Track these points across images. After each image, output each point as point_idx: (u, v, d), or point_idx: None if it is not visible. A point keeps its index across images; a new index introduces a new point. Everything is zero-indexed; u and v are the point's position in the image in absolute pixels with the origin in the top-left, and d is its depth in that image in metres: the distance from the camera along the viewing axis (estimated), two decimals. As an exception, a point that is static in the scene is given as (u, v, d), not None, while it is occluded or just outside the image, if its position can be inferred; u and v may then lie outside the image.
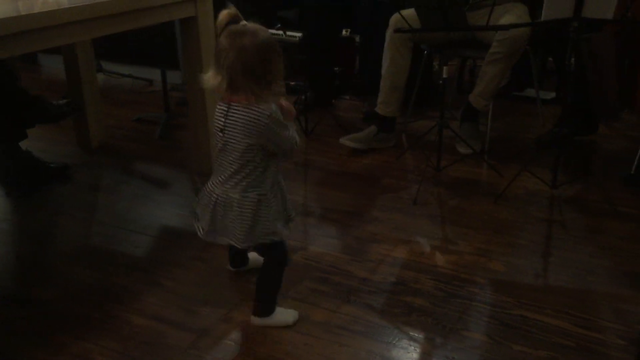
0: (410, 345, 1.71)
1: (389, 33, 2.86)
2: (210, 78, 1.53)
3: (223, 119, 1.58)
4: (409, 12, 2.61)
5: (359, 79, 3.67)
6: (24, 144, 2.71)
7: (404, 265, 2.08)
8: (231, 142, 1.59)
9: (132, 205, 2.51)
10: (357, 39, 3.63)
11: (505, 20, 2.66)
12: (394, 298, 1.91)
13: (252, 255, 2.00)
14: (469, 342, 1.71)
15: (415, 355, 1.68)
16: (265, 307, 1.78)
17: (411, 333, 1.76)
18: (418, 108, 3.26)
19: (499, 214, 2.40)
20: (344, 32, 3.63)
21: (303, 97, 3.16)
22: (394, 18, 2.81)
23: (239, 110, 1.55)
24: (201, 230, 1.71)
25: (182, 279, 2.02)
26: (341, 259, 2.12)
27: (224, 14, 1.51)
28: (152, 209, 2.48)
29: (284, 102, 1.69)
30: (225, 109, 1.57)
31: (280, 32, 3.78)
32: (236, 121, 1.56)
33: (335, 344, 1.72)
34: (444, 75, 2.52)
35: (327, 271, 2.05)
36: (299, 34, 3.70)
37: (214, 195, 1.65)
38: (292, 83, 3.76)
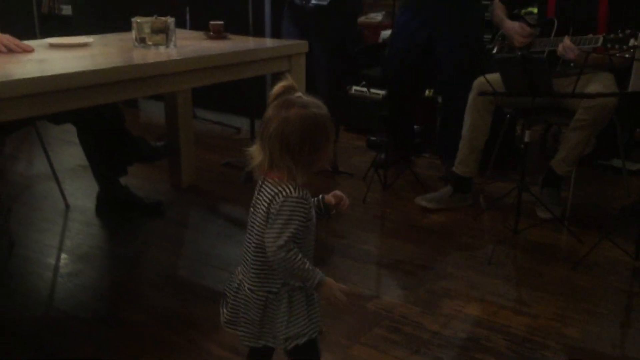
0: (479, 402, 1.71)
1: (471, 96, 2.94)
2: (255, 152, 1.34)
3: (255, 194, 1.39)
4: (494, 77, 2.68)
5: (438, 139, 3.75)
6: (122, 180, 2.94)
7: (476, 322, 2.09)
8: (253, 222, 1.39)
9: (216, 243, 2.65)
10: (439, 99, 3.73)
11: (591, 88, 2.68)
12: (464, 354, 1.92)
13: None
14: (540, 405, 1.70)
15: (483, 412, 1.68)
16: None
17: (480, 390, 1.76)
18: (498, 170, 3.28)
19: (577, 280, 2.37)
20: (427, 92, 3.74)
21: (383, 152, 3.27)
22: (478, 81, 2.89)
23: (268, 187, 1.35)
24: (223, 316, 1.49)
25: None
26: (413, 310, 2.15)
27: (278, 85, 1.35)
28: (234, 247, 2.61)
29: (336, 195, 1.49)
30: (260, 183, 1.38)
31: (365, 89, 3.94)
32: (262, 199, 1.36)
33: (404, 393, 1.74)
34: (526, 139, 2.56)
35: (398, 321, 2.08)
36: (382, 92, 3.84)
37: (237, 280, 1.46)
38: (373, 138, 3.89)
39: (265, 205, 1.34)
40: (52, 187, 3.04)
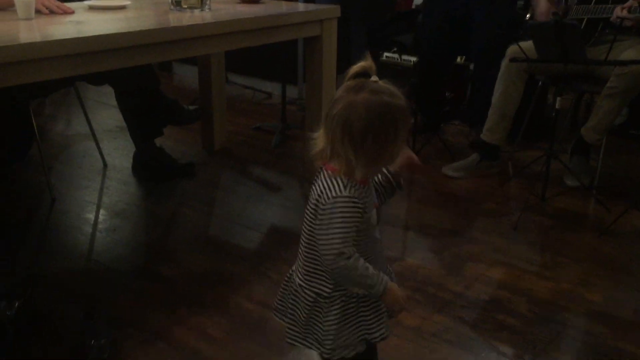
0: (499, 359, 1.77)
1: (504, 62, 2.92)
2: (319, 137, 1.21)
3: (313, 184, 1.26)
4: (527, 44, 2.67)
5: (468, 106, 3.74)
6: (157, 141, 3.03)
7: (499, 285, 2.13)
8: (306, 214, 1.26)
9: (246, 204, 2.73)
10: (471, 66, 3.71)
11: (626, 55, 2.64)
12: (486, 314, 1.97)
13: None
14: (558, 364, 1.75)
15: (502, 369, 1.73)
16: None
17: (500, 349, 1.81)
18: (527, 139, 3.27)
19: (603, 248, 2.38)
20: (458, 59, 3.72)
21: (412, 119, 3.28)
22: (511, 48, 2.87)
23: (322, 178, 1.22)
24: (275, 303, 1.41)
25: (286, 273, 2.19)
26: (437, 272, 2.20)
27: (357, 65, 1.21)
28: (263, 209, 2.68)
29: (404, 157, 1.30)
30: (318, 172, 1.25)
31: (396, 55, 3.93)
32: (314, 191, 1.24)
33: (425, 349, 1.81)
34: (557, 106, 2.55)
35: (422, 282, 2.14)
36: (414, 59, 3.84)
37: (292, 269, 1.37)
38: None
39: (315, 198, 1.22)
40: (91, 146, 3.14)
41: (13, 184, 2.90)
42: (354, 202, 1.17)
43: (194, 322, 1.90)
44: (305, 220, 1.26)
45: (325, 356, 1.29)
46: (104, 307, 1.96)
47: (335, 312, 1.26)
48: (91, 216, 2.60)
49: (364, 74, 1.20)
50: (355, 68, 1.20)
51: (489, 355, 1.78)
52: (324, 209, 1.18)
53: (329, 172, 1.20)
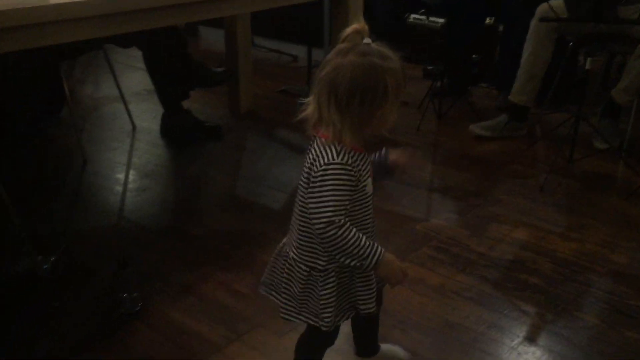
0: (521, 317, 1.79)
1: (534, 22, 2.86)
2: (309, 102, 1.16)
3: (306, 153, 1.21)
4: (557, 3, 2.61)
5: (497, 68, 3.68)
6: (185, 104, 3.06)
7: (523, 246, 2.14)
8: (300, 184, 1.22)
9: (272, 166, 2.76)
10: (501, 28, 3.64)
11: (659, 15, 2.57)
12: (509, 274, 1.99)
13: (388, 348, 1.60)
14: (580, 323, 1.76)
15: (524, 327, 1.75)
16: None
17: (523, 307, 1.83)
18: (556, 101, 3.22)
19: (630, 210, 2.36)
20: (487, 20, 3.65)
21: (439, 81, 3.25)
22: (541, 7, 2.81)
23: (314, 146, 1.18)
24: (264, 277, 1.37)
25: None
26: (461, 233, 2.22)
27: (349, 28, 1.16)
28: (288, 170, 2.71)
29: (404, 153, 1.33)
30: (312, 140, 1.20)
31: (424, 17, 3.88)
32: (307, 159, 1.19)
33: (448, 306, 1.83)
34: (587, 67, 2.50)
35: (446, 242, 2.16)
36: (441, 20, 3.78)
37: (284, 242, 1.32)
38: (430, 67, 3.85)
39: (307, 167, 1.18)
40: (120, 109, 3.20)
41: (46, 145, 2.97)
42: (346, 170, 1.13)
43: (221, 278, 1.96)
44: (299, 190, 1.23)
45: (324, 328, 1.25)
46: (134, 263, 2.03)
47: (330, 285, 1.22)
48: (121, 177, 2.67)
49: (358, 35, 1.15)
50: (348, 30, 1.16)
51: (511, 313, 1.80)
52: (315, 177, 1.14)
53: (322, 139, 1.16)
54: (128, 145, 2.95)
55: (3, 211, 1.75)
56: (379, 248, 1.17)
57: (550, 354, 1.65)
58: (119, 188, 2.57)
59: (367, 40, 1.15)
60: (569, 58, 3.07)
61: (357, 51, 1.11)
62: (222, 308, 1.83)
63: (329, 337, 1.38)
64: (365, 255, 1.16)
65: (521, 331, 1.73)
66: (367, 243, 1.16)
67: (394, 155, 1.32)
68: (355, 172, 1.15)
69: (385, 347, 1.58)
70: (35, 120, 2.80)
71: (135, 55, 3.00)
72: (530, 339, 1.70)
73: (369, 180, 1.21)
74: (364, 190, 1.19)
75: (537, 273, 1.98)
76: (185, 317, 1.79)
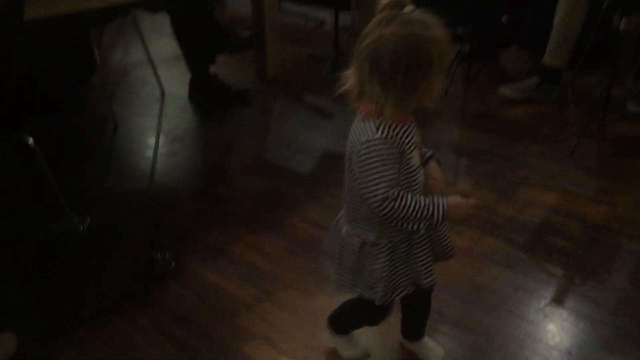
0: (548, 280, 1.79)
1: (567, -19, 2.78)
2: (350, 75, 1.13)
3: (350, 129, 1.19)
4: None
5: (528, 30, 3.60)
6: (212, 69, 3.07)
7: (552, 209, 2.13)
8: (345, 161, 1.22)
9: (299, 130, 2.77)
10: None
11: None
12: (538, 237, 1.98)
13: (430, 341, 1.56)
14: (609, 285, 1.76)
15: (552, 289, 1.76)
16: (337, 327, 1.53)
17: (550, 270, 1.83)
18: (590, 64, 3.14)
19: (663, 174, 2.33)
20: (518, -20, 3.56)
21: (468, 45, 3.20)
22: (575, -34, 2.73)
23: (356, 122, 1.17)
24: (324, 246, 1.39)
25: (339, 196, 2.24)
26: (489, 196, 2.21)
27: None
28: (316, 135, 2.72)
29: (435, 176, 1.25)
30: (355, 115, 1.18)
31: (453, -22, 3.79)
32: (350, 137, 1.18)
33: (475, 268, 1.85)
34: (622, 26, 2.44)
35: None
36: (471, -19, 3.69)
37: (339, 215, 1.33)
38: (459, 30, 3.78)
39: (349, 145, 1.17)
40: (148, 74, 3.23)
41: (78, 110, 3.03)
42: (388, 144, 1.10)
43: (250, 240, 2.00)
44: (346, 167, 1.21)
45: (378, 302, 1.26)
46: (167, 225, 2.07)
47: (383, 258, 1.22)
48: (151, 141, 2.71)
49: (398, 4, 1.08)
50: (387, 0, 1.09)
51: (538, 275, 1.81)
52: (358, 156, 1.12)
53: (362, 114, 1.13)
54: (157, 110, 2.99)
55: (41, 174, 1.81)
56: (440, 199, 1.15)
57: (577, 315, 1.65)
58: (150, 152, 2.61)
59: (409, 8, 1.08)
60: (603, 18, 2.98)
61: (399, 21, 1.05)
62: (251, 268, 1.87)
63: (379, 314, 1.38)
64: (431, 213, 1.14)
65: (548, 293, 1.74)
66: (427, 201, 1.14)
67: (433, 175, 1.24)
68: (397, 144, 1.12)
69: (428, 339, 1.54)
70: (67, 86, 2.85)
71: (163, 21, 3.01)
72: (558, 300, 1.71)
73: (415, 152, 1.16)
74: (409, 163, 1.15)
75: (565, 236, 1.98)
76: (216, 277, 1.84)
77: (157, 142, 2.70)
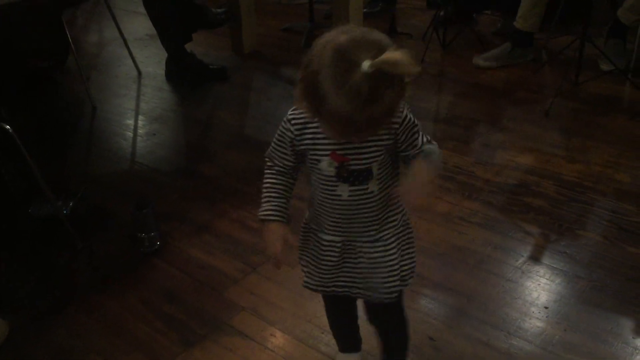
0: (525, 238, 1.85)
1: (537, -58, 2.80)
2: None
3: None
4: None
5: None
6: (188, 47, 3.06)
7: (528, 170, 2.18)
8: None
9: (278, 104, 2.79)
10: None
11: None
12: (514, 198, 2.04)
13: None
14: (583, 241, 1.82)
15: (528, 247, 1.82)
16: None
17: (527, 228, 1.89)
18: (562, 24, 3.18)
19: (635, 130, 2.38)
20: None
21: (443, 10, 3.21)
22: None
23: None
24: None
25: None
26: (467, 161, 2.26)
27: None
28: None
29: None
30: None
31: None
32: None
33: (454, 231, 1.90)
34: (592, -13, 2.46)
35: (452, 171, 2.20)
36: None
37: None
38: (434, -4, 3.79)
39: None
40: (124, 55, 3.20)
41: (55, 94, 3.01)
42: (286, 126, 1.09)
43: (235, 215, 2.03)
44: None
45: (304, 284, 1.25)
46: (150, 204, 2.09)
47: (301, 237, 1.23)
48: (131, 122, 2.71)
49: None
50: None
51: (515, 234, 1.86)
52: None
53: None
54: (135, 91, 2.98)
55: (21, 159, 1.81)
56: (272, 212, 1.13)
57: (553, 270, 1.71)
58: (130, 133, 2.62)
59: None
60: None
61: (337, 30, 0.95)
62: (237, 243, 1.90)
63: (327, 302, 1.34)
64: (261, 203, 1.14)
65: (525, 251, 1.80)
66: (267, 197, 1.14)
67: (404, 188, 1.06)
68: (296, 133, 1.08)
69: None
70: (42, 70, 2.83)
71: (136, 1, 2.99)
72: (534, 258, 1.77)
73: (325, 160, 1.06)
74: (317, 165, 1.08)
75: (541, 195, 2.03)
76: (202, 254, 1.87)
77: (136, 123, 2.70)
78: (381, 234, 1.15)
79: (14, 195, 2.08)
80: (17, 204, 2.06)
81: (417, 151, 1.09)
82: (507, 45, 2.99)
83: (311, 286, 1.23)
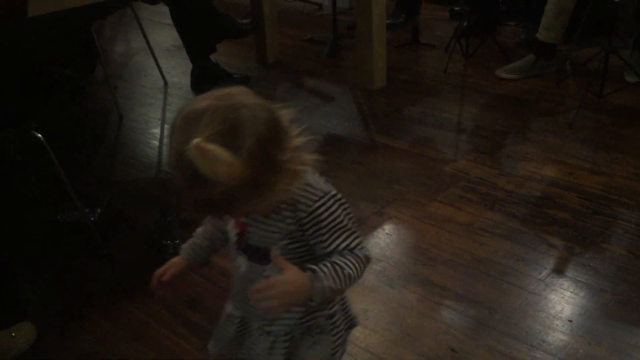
0: (549, 251, 1.83)
1: (562, -47, 2.79)
2: None
3: None
4: None
5: (525, 3, 3.60)
6: (213, 57, 3.10)
7: (551, 182, 2.17)
8: None
9: (302, 115, 2.80)
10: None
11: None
12: (537, 210, 2.02)
13: None
14: (608, 254, 1.80)
15: (552, 259, 1.80)
16: None
17: (550, 241, 1.88)
18: (587, 36, 3.16)
19: (661, 143, 2.36)
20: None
21: (465, 21, 3.22)
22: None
23: None
24: None
25: (343, 177, 2.29)
26: (489, 172, 2.25)
27: None
28: (318, 118, 2.76)
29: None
30: None
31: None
32: None
33: (476, 242, 1.89)
34: (617, -2, 2.45)
35: (474, 182, 2.20)
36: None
37: None
38: (456, 8, 3.79)
39: None
40: (150, 65, 3.26)
41: (83, 102, 3.07)
42: None
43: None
44: None
45: None
46: (175, 212, 2.12)
47: None
48: (157, 131, 2.76)
49: None
50: None
51: (538, 247, 1.85)
52: None
53: None
54: (161, 101, 3.03)
55: (49, 166, 1.85)
56: (184, 249, 1.13)
57: (577, 283, 1.70)
58: (155, 142, 2.66)
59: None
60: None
61: None
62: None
63: None
64: None
65: (548, 264, 1.78)
66: (192, 239, 1.13)
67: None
68: None
69: None
70: (71, 79, 2.90)
71: (162, 11, 3.05)
72: (558, 270, 1.76)
73: (232, 225, 1.01)
74: (227, 226, 1.04)
75: (565, 208, 2.02)
76: (224, 261, 1.88)
77: (162, 132, 2.74)
78: (272, 328, 1.03)
79: (41, 202, 2.13)
80: (44, 210, 2.10)
81: (327, 251, 0.94)
82: (531, 57, 2.98)
83: (210, 351, 1.16)
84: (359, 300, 1.69)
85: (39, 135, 1.83)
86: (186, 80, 3.16)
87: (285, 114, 0.91)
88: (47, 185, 2.19)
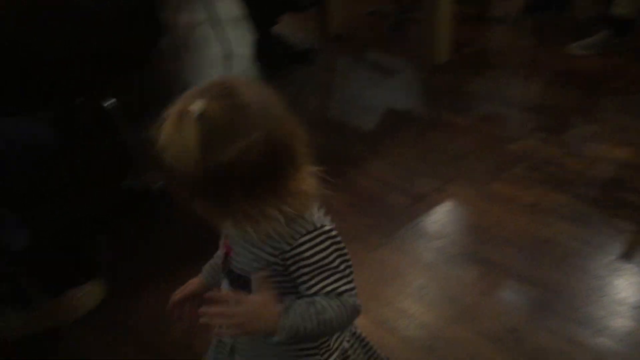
0: (617, 235, 1.77)
1: None
2: None
3: None
4: None
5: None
6: (276, 29, 3.11)
7: (623, 164, 2.08)
8: None
9: (363, 88, 2.79)
10: None
11: None
12: (606, 192, 1.95)
13: None
14: (681, 241, 1.72)
15: (619, 244, 1.74)
16: None
17: (619, 225, 1.81)
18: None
19: None
20: None
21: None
22: None
23: None
24: None
25: (404, 153, 2.27)
26: (556, 152, 2.18)
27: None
28: (380, 92, 2.73)
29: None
30: None
31: None
32: None
33: (540, 223, 1.84)
34: None
35: (541, 161, 2.13)
36: None
37: None
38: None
39: None
40: (214, 35, 3.29)
41: (150, 73, 3.14)
42: None
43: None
44: None
45: None
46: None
47: None
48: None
49: None
50: None
51: (607, 230, 1.79)
52: None
53: None
54: (224, 72, 3.07)
55: (119, 135, 1.92)
56: (204, 267, 1.09)
57: (646, 270, 1.64)
58: (218, 112, 2.69)
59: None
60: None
61: None
62: (318, 223, 1.93)
63: None
64: None
65: (616, 248, 1.72)
66: (206, 264, 1.09)
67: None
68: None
69: None
70: (139, 49, 2.96)
71: (227, -18, 3.07)
72: (626, 256, 1.69)
73: (221, 245, 0.99)
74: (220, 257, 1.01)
75: (636, 191, 1.93)
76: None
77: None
78: None
79: (110, 171, 2.20)
80: (113, 178, 2.18)
81: (309, 293, 0.86)
82: (605, 33, 2.84)
83: None
84: (415, 277, 1.68)
85: (110, 103, 1.88)
86: (249, 51, 3.18)
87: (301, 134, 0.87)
88: (116, 153, 2.26)
